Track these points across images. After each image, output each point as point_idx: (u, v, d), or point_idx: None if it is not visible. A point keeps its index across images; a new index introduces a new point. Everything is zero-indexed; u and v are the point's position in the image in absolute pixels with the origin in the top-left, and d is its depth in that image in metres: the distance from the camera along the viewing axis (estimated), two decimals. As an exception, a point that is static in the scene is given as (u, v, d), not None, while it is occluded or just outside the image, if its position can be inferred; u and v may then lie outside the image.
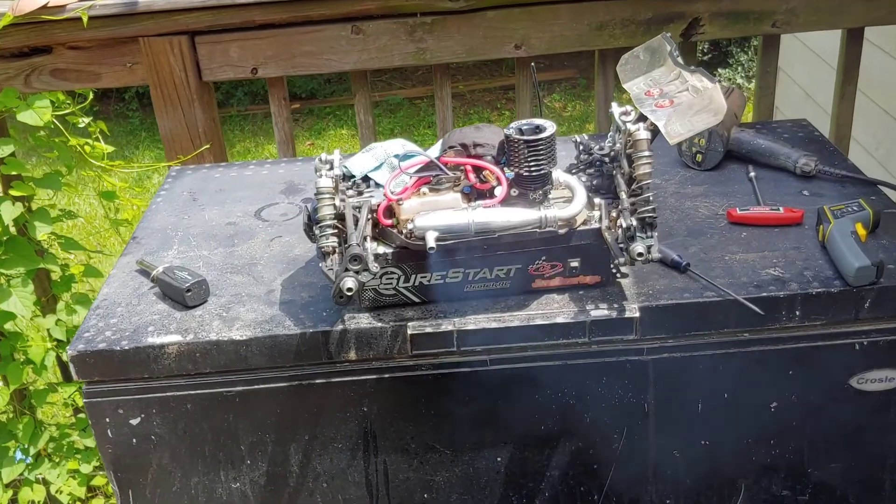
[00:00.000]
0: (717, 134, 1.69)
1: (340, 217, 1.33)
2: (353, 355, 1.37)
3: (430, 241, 1.27)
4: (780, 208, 1.53)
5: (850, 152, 2.38)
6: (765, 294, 1.35)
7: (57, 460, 2.51)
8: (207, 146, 2.23)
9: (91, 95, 2.34)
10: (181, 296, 1.44)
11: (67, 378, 2.56)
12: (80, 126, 2.36)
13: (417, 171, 1.35)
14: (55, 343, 2.37)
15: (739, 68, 6.31)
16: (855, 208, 1.45)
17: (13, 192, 2.19)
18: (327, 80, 7.07)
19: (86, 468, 2.50)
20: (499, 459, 1.46)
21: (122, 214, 2.47)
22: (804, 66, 3.99)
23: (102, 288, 1.51)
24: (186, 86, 2.17)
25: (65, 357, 2.37)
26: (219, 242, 1.63)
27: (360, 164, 1.43)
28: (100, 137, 2.25)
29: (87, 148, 2.34)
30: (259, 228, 1.67)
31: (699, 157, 1.73)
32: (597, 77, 2.26)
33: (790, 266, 1.41)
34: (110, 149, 2.38)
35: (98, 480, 2.56)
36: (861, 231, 1.40)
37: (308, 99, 6.85)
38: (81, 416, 2.55)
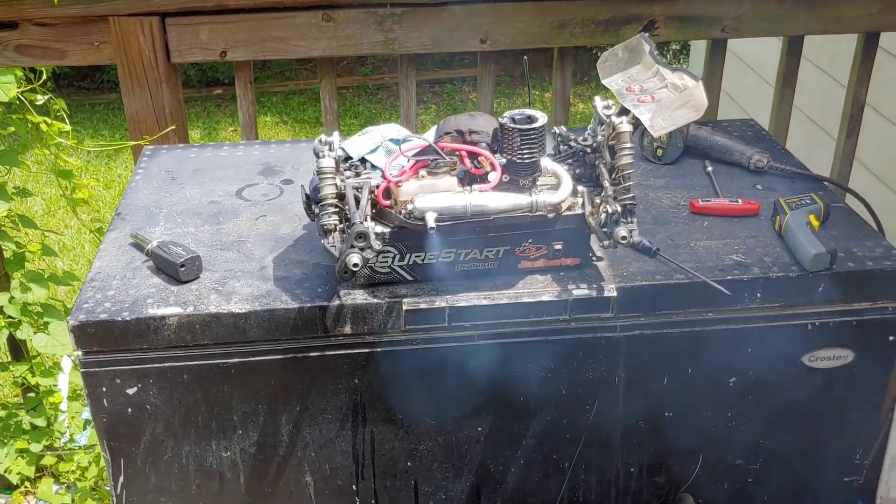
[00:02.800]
0: (678, 130, 1.81)
1: (341, 196, 1.40)
2: (348, 329, 1.44)
3: (431, 221, 1.34)
4: (739, 200, 1.65)
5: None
6: (729, 277, 1.47)
7: (4, 440, 2.49)
8: (173, 127, 2.25)
9: (46, 73, 2.33)
10: (175, 270, 1.48)
11: (18, 357, 2.54)
12: (37, 103, 2.35)
13: (415, 155, 1.42)
14: (8, 321, 2.35)
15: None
16: (808, 201, 1.58)
17: (-28, 168, 2.18)
18: (250, 67, 7.01)
19: (35, 447, 2.49)
20: (479, 429, 1.55)
21: (78, 194, 2.47)
22: (729, 71, 4.19)
23: (95, 262, 1.54)
24: (155, 67, 2.19)
25: (18, 335, 2.36)
26: (204, 220, 1.67)
27: (357, 146, 1.49)
28: (64, 117, 2.24)
29: (43, 126, 2.34)
30: (242, 208, 1.71)
31: (660, 152, 1.85)
32: (555, 74, 2.37)
33: (750, 253, 1.53)
34: (67, 127, 2.38)
35: (47, 460, 2.54)
36: (814, 222, 1.54)
37: (231, 84, 6.78)
38: (31, 395, 2.53)
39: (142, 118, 2.24)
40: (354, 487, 1.57)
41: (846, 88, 2.43)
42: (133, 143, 2.22)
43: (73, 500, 2.47)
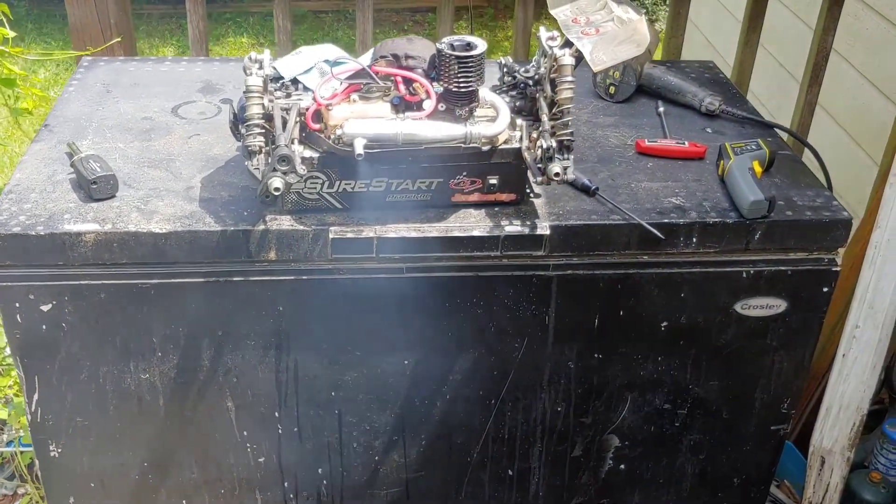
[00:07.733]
0: (631, 68, 1.76)
1: (268, 117, 1.35)
2: (272, 256, 1.40)
3: (359, 148, 1.30)
4: (685, 142, 1.62)
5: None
6: (666, 220, 1.44)
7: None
8: (118, 39, 2.17)
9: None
10: (87, 186, 1.42)
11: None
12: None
13: (348, 78, 1.37)
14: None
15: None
16: (753, 147, 1.55)
17: None
18: (226, -15, 6.82)
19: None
20: (406, 362, 1.52)
21: (21, 104, 2.38)
22: (709, 13, 4.12)
23: (14, 173, 1.48)
24: (99, -28, 2.10)
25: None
26: (134, 136, 1.61)
27: (289, 66, 1.43)
28: (4, 21, 2.15)
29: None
30: (176, 125, 1.66)
31: (612, 89, 1.80)
32: (517, 5, 2.29)
33: (691, 196, 1.50)
34: (10, 33, 2.28)
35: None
36: (758, 168, 1.51)
37: (207, 3, 6.59)
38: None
39: (85, 27, 2.16)
40: (277, 414, 1.55)
41: (812, 36, 2.38)
42: (76, 53, 2.14)
43: (9, 415, 2.44)
